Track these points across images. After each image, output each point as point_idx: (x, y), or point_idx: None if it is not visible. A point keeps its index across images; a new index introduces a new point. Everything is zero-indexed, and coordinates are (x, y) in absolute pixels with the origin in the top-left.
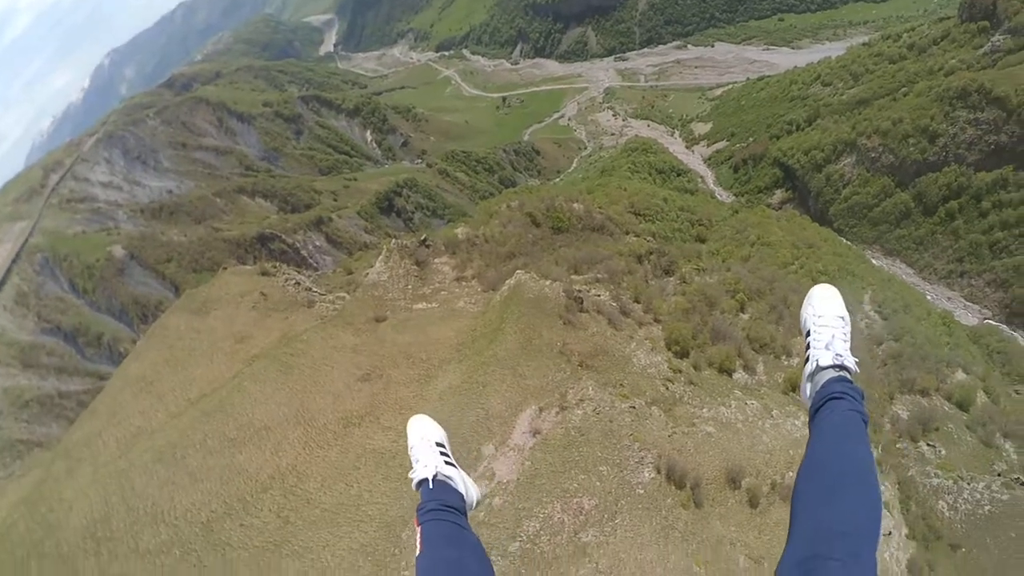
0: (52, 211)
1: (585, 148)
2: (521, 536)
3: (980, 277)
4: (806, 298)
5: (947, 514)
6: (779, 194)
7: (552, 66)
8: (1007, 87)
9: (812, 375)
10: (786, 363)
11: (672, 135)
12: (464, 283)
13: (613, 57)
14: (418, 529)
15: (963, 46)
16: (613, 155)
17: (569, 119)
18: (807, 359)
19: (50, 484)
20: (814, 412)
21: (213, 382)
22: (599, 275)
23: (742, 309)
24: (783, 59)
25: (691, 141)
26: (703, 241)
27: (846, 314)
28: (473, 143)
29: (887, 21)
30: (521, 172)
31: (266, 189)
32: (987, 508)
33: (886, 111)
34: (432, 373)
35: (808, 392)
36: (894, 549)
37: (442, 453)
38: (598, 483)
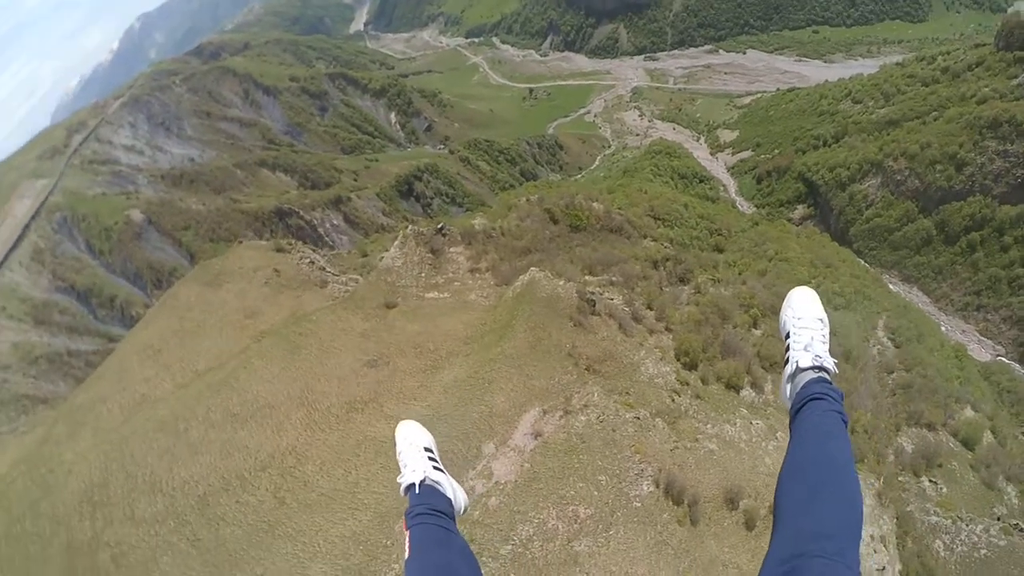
0: (73, 171)
1: (609, 146)
2: (514, 539)
3: (996, 312)
4: (785, 301)
5: (942, 554)
6: (801, 209)
7: (581, 61)
8: None
9: (792, 376)
10: None
11: (697, 140)
12: (478, 275)
13: (643, 56)
14: (406, 533)
15: (997, 75)
16: (636, 156)
17: (595, 116)
18: (787, 361)
19: (51, 445)
20: (794, 413)
21: (220, 355)
22: (614, 278)
23: (755, 325)
24: (814, 72)
25: (716, 148)
26: (721, 251)
27: (825, 316)
28: (497, 133)
29: (922, 42)
30: (543, 166)
31: (287, 164)
32: (983, 552)
33: (915, 134)
34: (439, 365)
35: (788, 393)
36: None
37: (430, 458)
38: (595, 492)
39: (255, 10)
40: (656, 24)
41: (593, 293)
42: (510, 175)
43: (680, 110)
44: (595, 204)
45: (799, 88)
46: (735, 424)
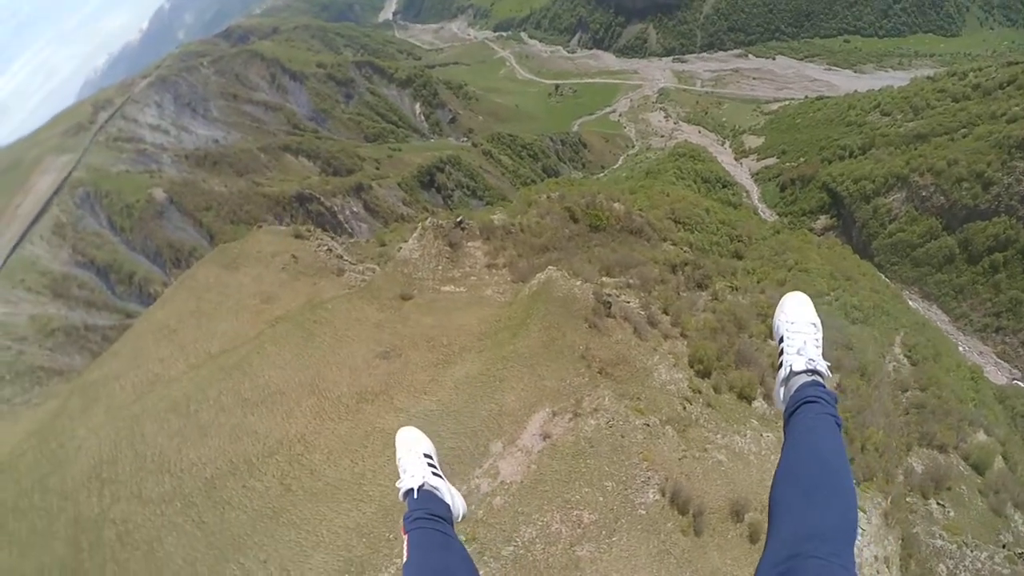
0: (98, 148)
1: (633, 147)
2: (516, 541)
3: (1015, 336)
4: (778, 306)
5: None
6: (823, 220)
7: (609, 59)
8: None
9: (785, 380)
10: None
11: (722, 145)
12: (495, 271)
13: (671, 57)
14: (405, 537)
15: None
16: (660, 158)
17: (620, 115)
18: (780, 364)
19: (63, 420)
20: (788, 416)
21: (235, 339)
22: (631, 280)
23: (771, 335)
24: (844, 81)
25: (741, 153)
26: (740, 258)
27: (818, 320)
28: (521, 127)
29: (954, 57)
30: (565, 163)
31: (311, 149)
32: None
33: (942, 150)
34: (451, 359)
35: (782, 397)
36: None
37: (429, 464)
38: (601, 498)
39: None
40: (686, 26)
41: (609, 295)
42: (532, 170)
43: (706, 113)
44: (616, 204)
45: (828, 97)
46: (745, 436)
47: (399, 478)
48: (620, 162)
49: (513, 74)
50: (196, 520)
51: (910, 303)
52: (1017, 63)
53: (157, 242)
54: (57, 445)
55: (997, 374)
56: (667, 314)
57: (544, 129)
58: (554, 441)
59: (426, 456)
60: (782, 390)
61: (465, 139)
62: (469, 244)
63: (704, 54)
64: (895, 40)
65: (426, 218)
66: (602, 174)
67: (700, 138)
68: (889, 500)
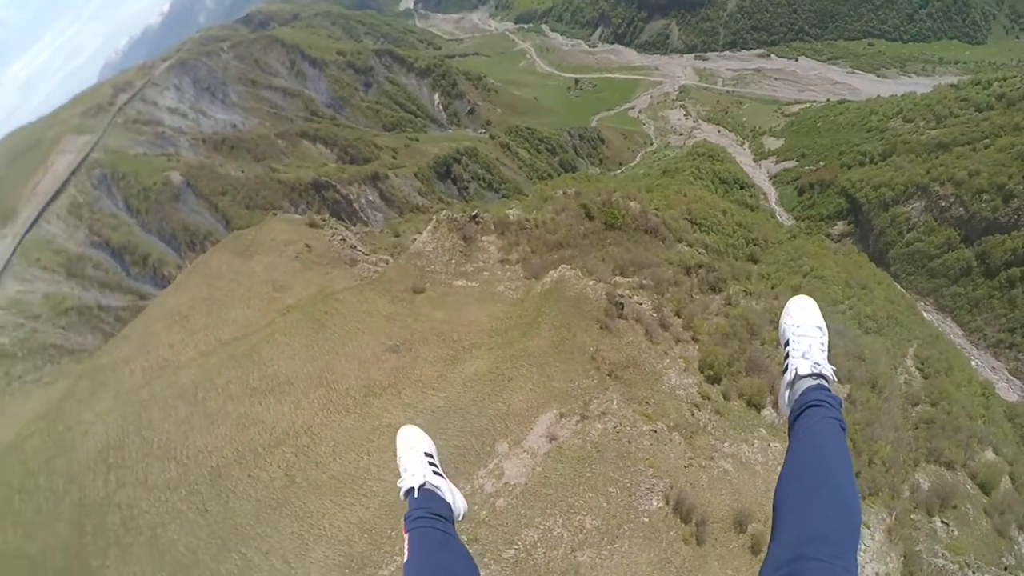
0: (117, 129)
1: (651, 144)
2: (518, 544)
3: None
4: (784, 309)
5: None
6: (840, 226)
7: (630, 55)
8: None
9: (791, 384)
10: None
11: (741, 145)
12: (507, 266)
13: (693, 55)
14: (406, 536)
15: None
16: (678, 156)
17: (639, 111)
18: (785, 368)
19: (72, 403)
20: (793, 420)
21: (246, 327)
22: (644, 281)
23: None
24: (866, 85)
25: (760, 155)
26: (755, 262)
27: (823, 324)
28: (539, 121)
29: (979, 65)
30: (583, 158)
31: (328, 137)
32: None
33: (964, 160)
34: (460, 356)
35: (787, 400)
36: None
37: (430, 463)
38: (604, 504)
39: None
40: (709, 23)
41: (622, 296)
42: (549, 165)
43: (726, 113)
44: (632, 203)
45: (849, 101)
46: (752, 445)
47: (400, 476)
48: (638, 159)
49: (533, 67)
50: (200, 508)
51: (924, 315)
52: None
53: (172, 225)
54: (65, 428)
55: (1008, 391)
56: (679, 317)
57: (562, 123)
58: (560, 444)
59: (427, 455)
60: (787, 393)
61: (483, 131)
62: (483, 238)
63: (726, 52)
64: (919, 45)
65: (441, 210)
66: (619, 171)
67: (719, 138)
68: (894, 516)
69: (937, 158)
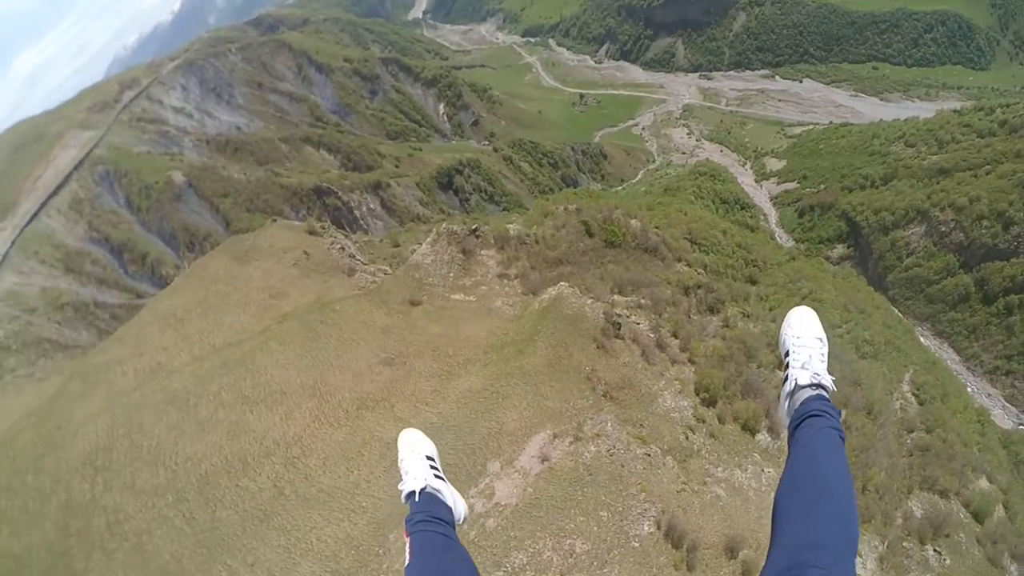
0: (121, 127)
1: (653, 161)
2: (506, 566)
3: None
4: (784, 320)
5: None
6: (840, 249)
7: (635, 72)
8: None
9: (791, 394)
10: None
11: (743, 166)
12: (506, 281)
13: (698, 74)
14: (407, 540)
15: None
16: (680, 175)
17: (642, 129)
18: (785, 378)
19: (63, 402)
20: (793, 429)
21: (240, 333)
22: (642, 300)
23: (780, 366)
24: (870, 109)
25: (761, 176)
26: (754, 283)
27: (824, 335)
28: (543, 135)
29: (982, 91)
30: (585, 173)
31: (332, 143)
32: None
33: (965, 186)
34: (455, 371)
35: (786, 410)
36: None
37: (432, 467)
38: (595, 528)
39: None
40: (714, 43)
41: (620, 315)
42: (551, 179)
43: (729, 133)
44: (633, 221)
45: (852, 124)
46: (746, 470)
47: (401, 480)
48: (640, 176)
49: (538, 81)
50: (187, 516)
51: (922, 340)
52: None
53: (173, 225)
54: (55, 427)
55: (1004, 418)
56: (676, 338)
57: (566, 138)
58: (552, 465)
59: (428, 458)
60: (787, 403)
61: (486, 143)
62: (482, 252)
63: (731, 72)
64: (923, 70)
65: (441, 222)
66: (621, 187)
67: (722, 157)
68: (886, 544)
69: (938, 183)
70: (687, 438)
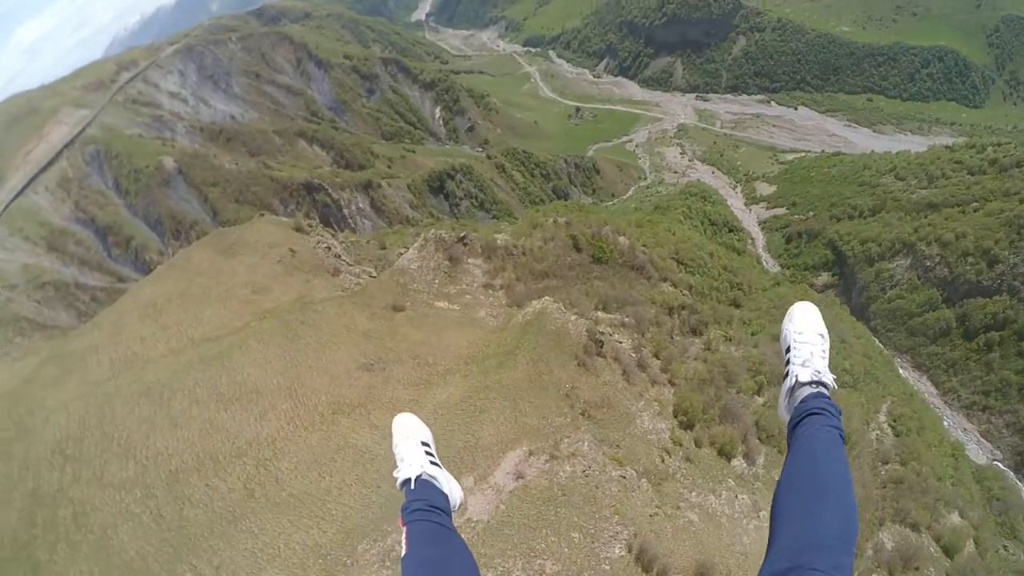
0: (115, 107)
1: (645, 179)
2: None
3: (1001, 417)
4: (786, 315)
5: None
6: (824, 277)
7: (632, 88)
8: None
9: (791, 391)
10: None
11: (734, 189)
12: (491, 291)
13: (695, 95)
14: (403, 529)
15: None
16: (671, 194)
17: (636, 145)
18: (786, 375)
19: (36, 386)
20: (792, 427)
21: (219, 327)
22: (626, 319)
23: (759, 392)
24: (862, 140)
25: (751, 200)
26: (738, 306)
27: (825, 331)
28: (537, 145)
29: (975, 128)
30: (576, 186)
31: (325, 139)
32: None
33: (952, 222)
34: (434, 381)
35: (786, 407)
36: None
37: (427, 452)
38: (566, 549)
39: None
40: (713, 65)
41: (602, 333)
42: (542, 190)
43: (722, 155)
44: (622, 239)
45: (844, 154)
46: (720, 496)
47: (396, 466)
48: (631, 192)
49: (536, 91)
50: (154, 513)
51: (901, 372)
52: None
53: (160, 210)
54: (26, 412)
55: (979, 453)
56: (658, 358)
57: (560, 149)
58: (527, 482)
59: (424, 444)
60: (787, 400)
61: (480, 149)
62: (469, 261)
63: (728, 95)
64: (918, 104)
65: (430, 227)
66: (612, 202)
67: (713, 179)
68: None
69: (926, 217)
70: (663, 461)
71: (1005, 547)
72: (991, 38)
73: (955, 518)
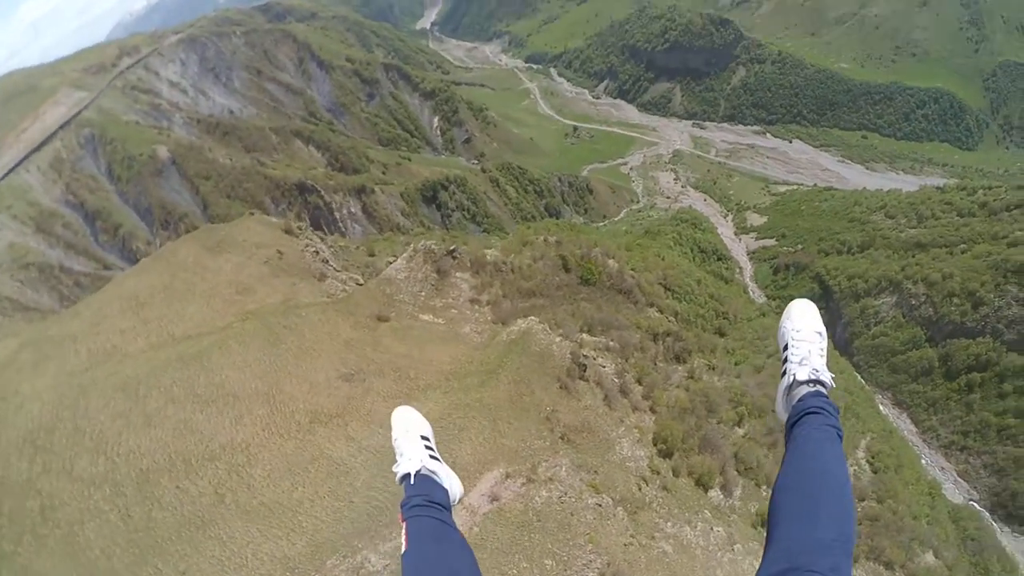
0: (114, 92)
1: (637, 202)
2: None
3: (979, 457)
4: (784, 313)
5: None
6: None
7: (630, 111)
8: None
9: (788, 389)
10: (765, 495)
11: (725, 217)
12: (477, 307)
13: (692, 122)
14: (403, 525)
15: None
16: (662, 219)
17: (631, 168)
18: (784, 373)
19: (11, 372)
20: (790, 426)
21: (201, 325)
22: (611, 343)
23: (739, 423)
24: (855, 176)
25: (741, 229)
26: (723, 335)
27: (823, 329)
28: (532, 161)
29: (966, 171)
30: (569, 205)
31: (322, 140)
32: None
33: (939, 262)
34: (414, 395)
35: (784, 406)
36: None
37: (427, 447)
38: None
39: None
40: (711, 93)
41: (586, 356)
42: (535, 206)
43: (715, 183)
44: (611, 261)
45: (836, 189)
46: (695, 527)
47: (395, 461)
48: (622, 215)
49: (535, 107)
50: (123, 512)
51: (881, 408)
52: None
53: (150, 200)
54: None
55: (955, 492)
56: (640, 384)
57: (554, 167)
58: (502, 505)
59: (423, 438)
60: (784, 399)
61: (475, 162)
62: (457, 274)
63: (724, 124)
64: (911, 144)
65: (420, 236)
66: (603, 223)
67: (705, 207)
68: None
69: (914, 256)
70: (640, 489)
71: None
72: (988, 82)
73: (929, 557)
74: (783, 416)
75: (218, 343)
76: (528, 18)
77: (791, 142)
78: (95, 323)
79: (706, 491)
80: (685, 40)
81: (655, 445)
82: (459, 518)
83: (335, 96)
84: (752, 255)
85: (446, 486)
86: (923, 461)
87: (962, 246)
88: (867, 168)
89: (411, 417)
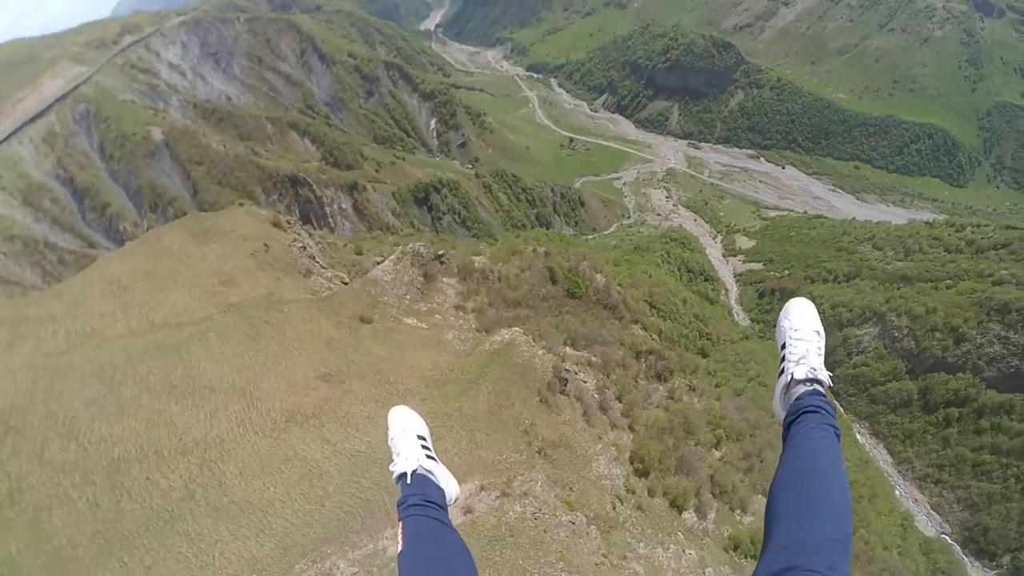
0: (113, 69)
1: (628, 217)
2: None
3: (953, 491)
4: (782, 311)
5: None
6: None
7: (627, 127)
8: None
9: (786, 388)
10: (739, 519)
11: (714, 238)
12: (461, 314)
13: (687, 141)
14: (400, 524)
15: (1020, 261)
16: (652, 236)
17: (624, 183)
18: (781, 371)
19: None
20: (788, 425)
21: (181, 314)
22: (593, 358)
23: (717, 446)
24: (845, 206)
25: (730, 251)
26: (705, 356)
27: (822, 329)
28: (526, 170)
29: (956, 207)
30: (560, 216)
31: (317, 134)
32: None
33: (924, 296)
34: (393, 400)
35: (781, 405)
36: None
37: (424, 447)
38: None
39: None
40: (709, 115)
41: (568, 371)
42: (526, 215)
43: (707, 204)
44: (599, 276)
45: (825, 217)
46: (668, 549)
47: (391, 460)
48: (612, 229)
49: (533, 116)
50: (91, 500)
51: (858, 437)
52: (1015, 228)
53: (141, 181)
54: None
55: (928, 524)
56: (621, 402)
57: (548, 177)
58: (474, 518)
59: (420, 438)
60: (782, 398)
61: (470, 166)
62: (444, 280)
63: (719, 146)
64: (903, 177)
65: (409, 237)
66: (592, 236)
67: (695, 226)
68: None
69: (899, 289)
70: (614, 508)
71: None
72: (982, 121)
73: None
74: (780, 414)
75: (197, 334)
76: (532, 27)
77: (784, 168)
78: (75, 304)
79: (680, 513)
80: (686, 60)
81: (632, 464)
82: None
83: (334, 90)
84: (739, 277)
85: (442, 486)
86: (897, 492)
87: (947, 281)
88: (858, 199)
89: (408, 417)
